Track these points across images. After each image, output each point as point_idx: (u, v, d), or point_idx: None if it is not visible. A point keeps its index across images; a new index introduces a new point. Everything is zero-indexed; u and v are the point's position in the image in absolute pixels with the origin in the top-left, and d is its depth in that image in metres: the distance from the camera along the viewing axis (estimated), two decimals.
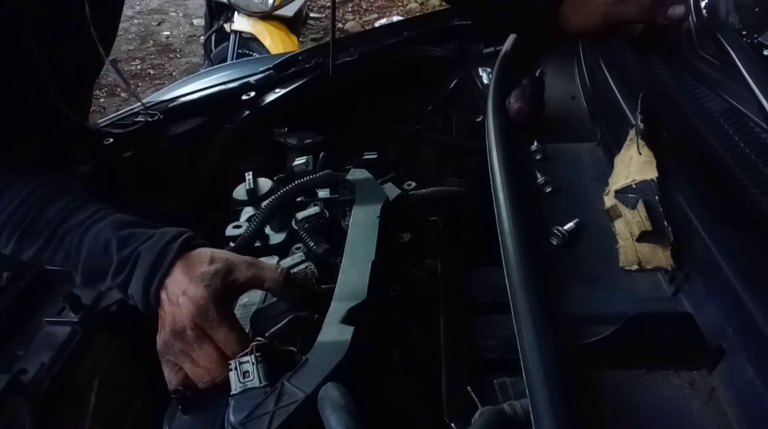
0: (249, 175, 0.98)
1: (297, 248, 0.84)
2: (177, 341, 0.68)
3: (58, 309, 0.82)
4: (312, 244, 0.82)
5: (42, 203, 0.75)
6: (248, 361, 0.63)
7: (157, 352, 0.70)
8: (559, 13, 0.94)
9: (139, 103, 1.15)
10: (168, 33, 4.91)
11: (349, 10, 5.17)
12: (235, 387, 0.62)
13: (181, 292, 0.67)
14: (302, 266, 0.78)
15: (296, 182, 0.89)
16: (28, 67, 0.81)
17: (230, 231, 0.91)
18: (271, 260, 0.85)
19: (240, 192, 0.98)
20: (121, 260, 0.71)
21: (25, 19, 0.78)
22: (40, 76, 0.82)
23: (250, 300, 0.78)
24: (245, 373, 0.62)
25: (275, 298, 0.73)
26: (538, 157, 0.91)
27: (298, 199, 0.92)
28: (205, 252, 0.71)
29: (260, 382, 0.61)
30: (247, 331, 0.72)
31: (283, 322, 0.69)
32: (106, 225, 0.73)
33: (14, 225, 0.74)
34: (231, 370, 0.63)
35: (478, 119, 1.25)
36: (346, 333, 0.63)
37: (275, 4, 2.98)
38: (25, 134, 0.85)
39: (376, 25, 4.60)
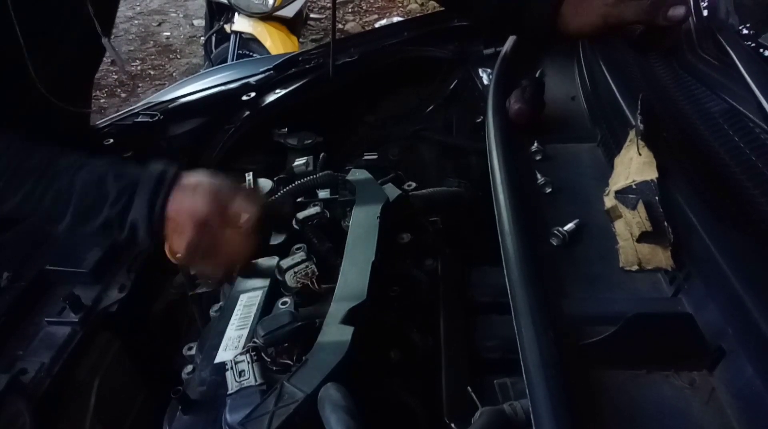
0: (249, 176, 0.98)
1: (297, 248, 0.84)
2: (204, 235, 0.72)
3: (58, 309, 0.82)
4: (316, 241, 0.82)
5: (25, 152, 0.75)
6: (244, 361, 0.63)
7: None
8: (559, 14, 0.94)
9: (139, 103, 1.15)
10: (168, 34, 4.91)
11: (350, 10, 5.17)
12: (232, 386, 0.62)
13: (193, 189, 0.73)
14: (302, 266, 0.78)
15: (297, 183, 0.89)
16: (11, 51, 0.81)
17: None
18: (271, 261, 0.85)
19: None
20: (120, 189, 0.73)
21: (9, 5, 0.78)
22: (24, 63, 0.82)
23: (250, 300, 0.78)
24: (241, 373, 0.62)
25: (278, 305, 0.73)
26: (538, 157, 0.91)
27: (299, 200, 0.92)
28: (192, 176, 0.75)
29: (256, 381, 0.61)
30: (247, 333, 0.72)
31: (285, 330, 0.69)
32: (98, 161, 0.75)
33: None
34: (227, 369, 0.63)
35: (478, 120, 1.25)
36: (346, 333, 0.63)
37: (275, 5, 2.98)
38: (9, 120, 0.84)
39: (377, 25, 4.60)
